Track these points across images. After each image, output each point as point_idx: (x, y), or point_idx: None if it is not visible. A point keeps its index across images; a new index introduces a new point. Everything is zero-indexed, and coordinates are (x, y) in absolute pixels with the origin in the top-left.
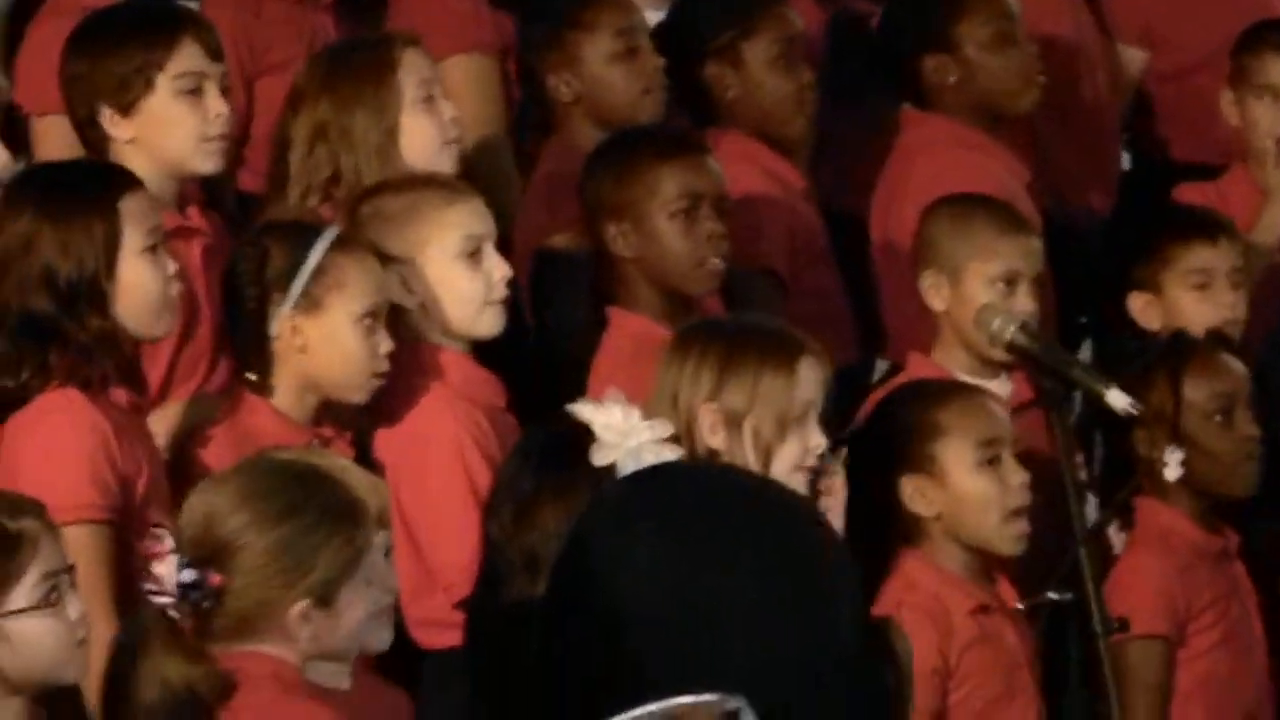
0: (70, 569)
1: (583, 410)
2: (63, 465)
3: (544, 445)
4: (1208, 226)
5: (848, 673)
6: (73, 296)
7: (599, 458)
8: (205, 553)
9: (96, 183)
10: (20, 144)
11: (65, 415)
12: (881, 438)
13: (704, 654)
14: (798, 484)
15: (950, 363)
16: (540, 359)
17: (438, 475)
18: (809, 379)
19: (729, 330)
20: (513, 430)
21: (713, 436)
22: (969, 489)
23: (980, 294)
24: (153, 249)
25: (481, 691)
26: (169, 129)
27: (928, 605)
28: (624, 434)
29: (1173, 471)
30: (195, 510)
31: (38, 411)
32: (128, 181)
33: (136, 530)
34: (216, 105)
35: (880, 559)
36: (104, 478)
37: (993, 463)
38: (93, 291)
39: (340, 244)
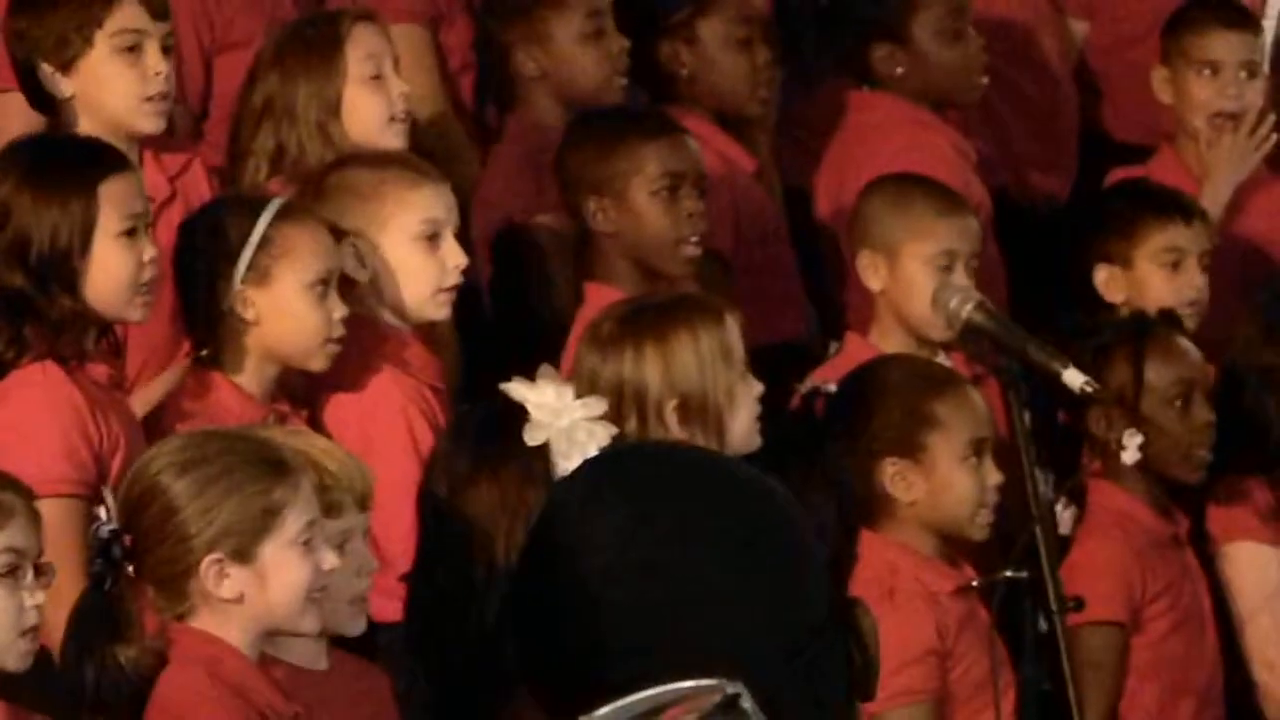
0: (43, 563)
1: (516, 389)
2: (35, 439)
3: (478, 424)
4: (1184, 207)
5: (821, 644)
6: (43, 273)
7: (531, 437)
8: (128, 511)
9: (81, 161)
10: None
11: (39, 389)
12: (863, 416)
13: (681, 631)
14: (758, 435)
15: (887, 343)
16: (502, 338)
17: (383, 449)
18: (735, 329)
19: (654, 313)
20: (449, 411)
21: (678, 427)
22: (953, 482)
23: (917, 274)
24: (130, 233)
25: (422, 664)
26: (108, 86)
27: (917, 588)
28: (556, 413)
29: (1130, 455)
30: (130, 473)
31: (12, 385)
32: (114, 162)
33: None
34: (156, 64)
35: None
36: (78, 452)
37: (974, 459)
38: (64, 270)
39: (286, 214)
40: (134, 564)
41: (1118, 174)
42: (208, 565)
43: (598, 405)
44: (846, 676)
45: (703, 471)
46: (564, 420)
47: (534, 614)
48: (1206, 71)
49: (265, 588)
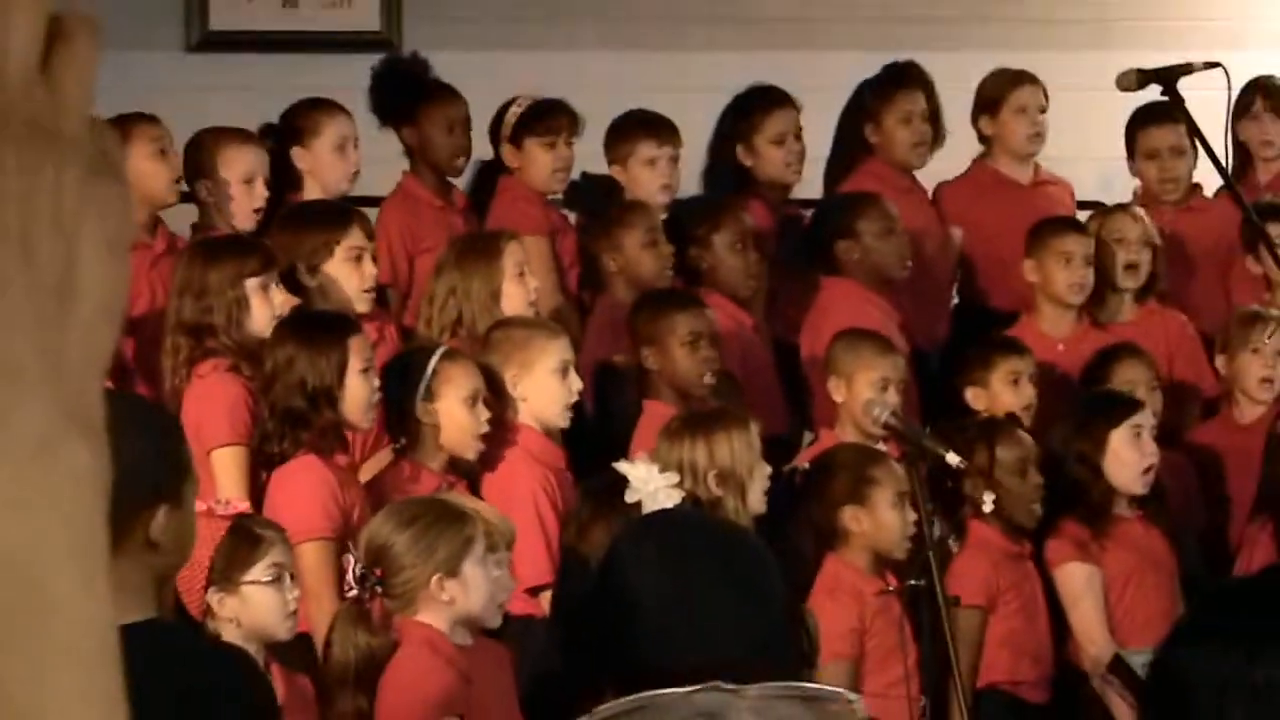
0: (293, 573)
1: (621, 467)
2: (308, 504)
3: (596, 488)
4: (1016, 346)
5: (781, 639)
6: (315, 398)
7: (629, 497)
8: (371, 556)
9: (335, 326)
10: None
11: (308, 471)
12: (830, 479)
13: (686, 628)
14: (764, 502)
15: (846, 435)
16: (599, 436)
17: (518, 510)
18: (755, 432)
19: (705, 419)
20: (569, 483)
21: (716, 489)
22: (888, 520)
23: (865, 392)
24: (366, 371)
25: (563, 649)
26: (341, 285)
27: (850, 590)
28: (646, 482)
29: (987, 507)
30: (365, 533)
31: (290, 471)
32: (355, 325)
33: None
34: (370, 269)
35: (809, 557)
36: (332, 511)
37: (900, 505)
38: (329, 396)
39: (447, 355)
40: (382, 588)
41: (998, 333)
42: (436, 581)
43: (672, 477)
44: (801, 661)
45: (707, 527)
46: (650, 487)
47: (595, 604)
48: (1062, 260)
49: (467, 593)
